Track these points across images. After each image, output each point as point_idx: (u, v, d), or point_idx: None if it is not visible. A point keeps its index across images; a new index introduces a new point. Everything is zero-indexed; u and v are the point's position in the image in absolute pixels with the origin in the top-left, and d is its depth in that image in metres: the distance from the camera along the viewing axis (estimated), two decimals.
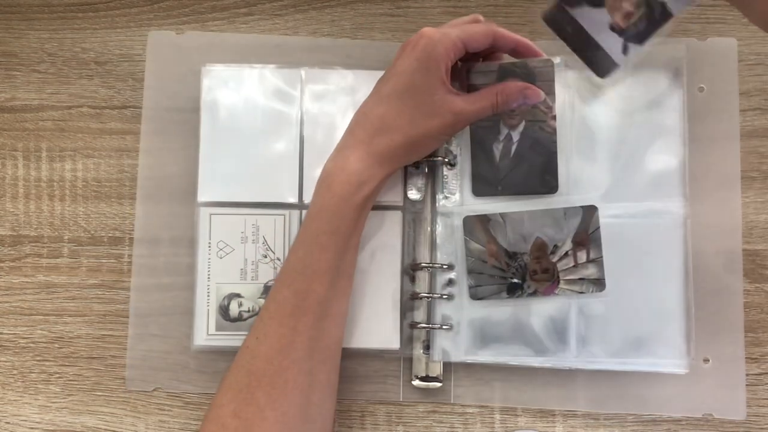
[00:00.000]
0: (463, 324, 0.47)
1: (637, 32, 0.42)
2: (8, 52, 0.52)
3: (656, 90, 0.48)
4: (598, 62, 0.43)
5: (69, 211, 0.50)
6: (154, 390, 0.48)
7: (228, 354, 0.47)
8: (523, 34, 0.50)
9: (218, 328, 0.47)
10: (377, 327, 0.47)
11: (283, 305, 0.41)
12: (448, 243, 0.48)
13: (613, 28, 0.42)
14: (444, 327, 0.47)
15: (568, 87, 0.48)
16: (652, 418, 0.48)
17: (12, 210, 0.50)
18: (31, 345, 0.49)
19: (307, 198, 0.48)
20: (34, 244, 0.50)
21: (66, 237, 0.50)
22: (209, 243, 0.48)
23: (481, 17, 0.45)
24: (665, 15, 0.42)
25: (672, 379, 0.47)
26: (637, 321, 0.46)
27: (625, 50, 0.42)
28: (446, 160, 0.48)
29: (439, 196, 0.48)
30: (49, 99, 0.51)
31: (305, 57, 0.51)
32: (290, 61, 0.50)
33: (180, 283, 0.48)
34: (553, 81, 0.46)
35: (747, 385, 0.48)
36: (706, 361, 0.48)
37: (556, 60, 0.46)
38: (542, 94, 0.44)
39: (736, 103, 0.50)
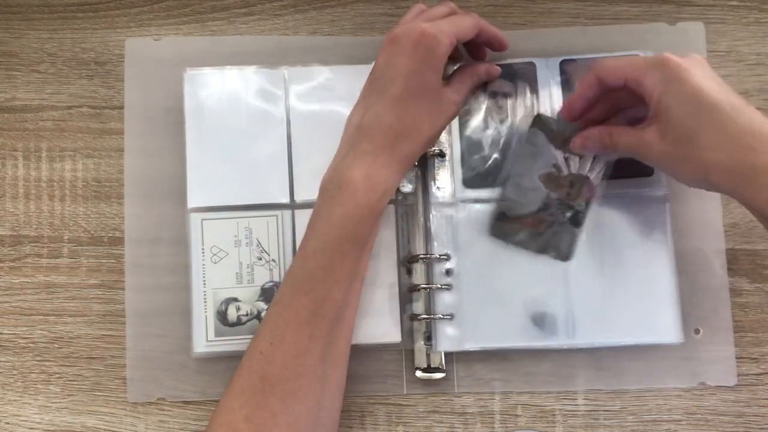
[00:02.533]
0: (464, 313, 0.47)
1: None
2: (8, 52, 0.52)
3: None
4: (641, 168, 0.46)
5: (69, 211, 0.50)
6: (157, 399, 0.48)
7: (229, 358, 0.47)
8: (522, 34, 0.51)
9: (217, 333, 0.47)
10: (378, 321, 0.47)
11: (300, 312, 0.41)
12: (443, 233, 0.48)
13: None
14: (445, 317, 0.47)
15: (549, 85, 0.49)
16: (652, 417, 0.48)
17: (12, 210, 0.50)
18: (31, 345, 0.49)
19: (298, 197, 0.48)
20: (34, 244, 0.50)
21: (66, 237, 0.50)
22: (202, 249, 0.48)
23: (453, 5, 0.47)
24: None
25: (666, 352, 0.48)
26: (629, 297, 0.47)
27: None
28: (437, 151, 0.48)
29: (433, 188, 0.48)
30: (49, 99, 0.51)
31: (288, 58, 0.51)
32: (273, 63, 0.50)
33: (176, 283, 0.48)
34: (536, 80, 0.49)
35: (747, 384, 0.48)
36: (697, 332, 0.48)
37: (536, 59, 0.49)
38: (499, 70, 0.49)
39: None
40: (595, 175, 0.47)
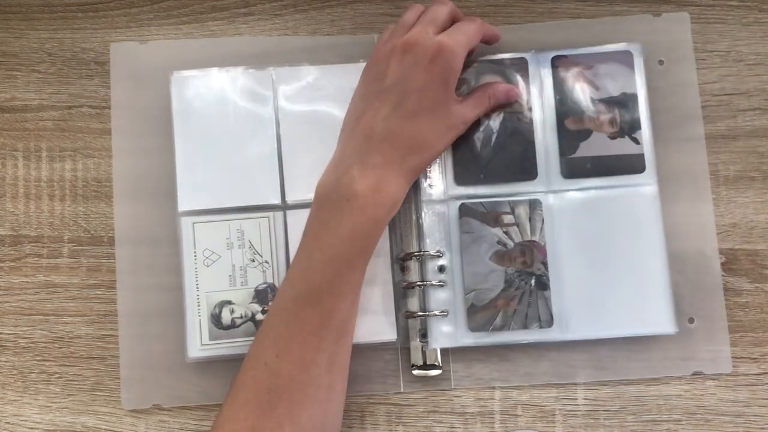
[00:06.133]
0: (459, 309, 0.47)
1: (630, 124, 0.48)
2: (8, 52, 0.52)
3: (620, 66, 0.49)
4: (632, 164, 0.48)
5: (69, 211, 0.50)
6: (153, 406, 0.48)
7: (225, 361, 0.47)
8: (522, 34, 0.51)
9: (212, 337, 0.47)
10: (373, 320, 0.47)
11: (307, 324, 0.40)
12: (436, 230, 0.48)
13: (613, 136, 0.48)
14: (440, 314, 0.47)
15: (540, 80, 0.49)
16: (652, 417, 0.48)
17: (12, 210, 0.50)
18: (31, 345, 0.49)
19: (290, 198, 0.48)
20: (34, 244, 0.50)
21: (66, 237, 0.50)
22: (194, 252, 0.47)
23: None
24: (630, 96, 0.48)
25: (661, 342, 0.48)
26: (622, 289, 0.47)
27: (636, 141, 0.48)
28: None
29: (424, 185, 0.48)
30: (49, 99, 0.51)
31: (283, 58, 0.51)
32: (267, 63, 0.50)
33: (170, 284, 0.48)
34: (528, 75, 0.49)
35: (747, 384, 0.48)
36: (691, 321, 0.48)
37: (528, 54, 0.49)
38: (521, 94, 0.48)
39: (694, 74, 0.51)
40: (539, 236, 0.47)
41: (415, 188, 0.49)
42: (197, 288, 0.47)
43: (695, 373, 0.48)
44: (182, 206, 0.48)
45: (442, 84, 0.42)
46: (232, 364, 0.44)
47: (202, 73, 0.49)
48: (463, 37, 0.43)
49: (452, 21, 0.46)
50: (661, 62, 0.51)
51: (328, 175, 0.43)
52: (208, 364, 0.48)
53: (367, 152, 0.42)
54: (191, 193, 0.48)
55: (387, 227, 0.48)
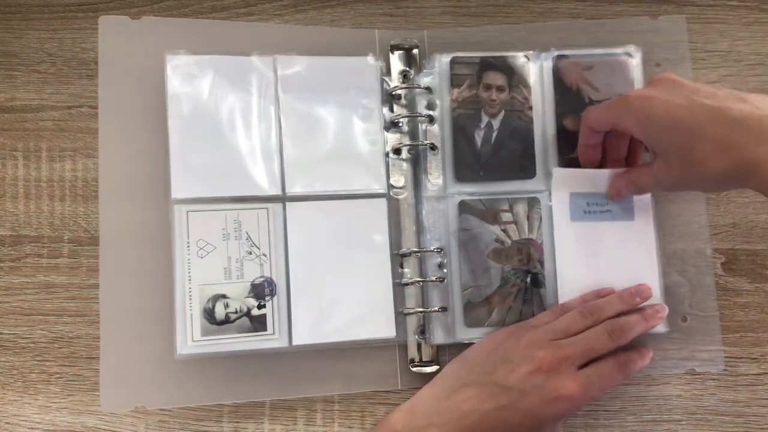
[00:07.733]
0: (457, 305, 0.47)
1: None
2: (8, 52, 0.52)
3: (619, 68, 0.49)
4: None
5: (69, 211, 0.50)
6: (136, 408, 0.47)
7: (217, 359, 0.46)
8: (521, 34, 0.51)
9: (204, 333, 0.45)
10: (372, 316, 0.47)
11: None
12: (436, 227, 0.48)
13: None
14: (439, 310, 0.47)
15: (541, 80, 0.50)
16: (652, 417, 0.48)
17: (12, 210, 0.50)
18: (31, 345, 0.49)
19: (290, 189, 0.47)
20: (34, 244, 0.50)
21: (66, 237, 0.50)
22: (188, 242, 0.45)
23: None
24: None
25: (656, 341, 0.48)
26: (616, 287, 0.47)
27: None
28: (429, 145, 0.49)
29: (425, 181, 0.48)
30: (49, 99, 0.51)
31: (273, 44, 0.50)
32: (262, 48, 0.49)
33: (156, 285, 0.47)
34: (529, 74, 0.49)
35: (747, 384, 0.48)
36: (684, 319, 0.48)
37: (530, 53, 0.49)
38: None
39: (690, 75, 0.51)
40: (536, 234, 0.47)
41: (416, 185, 0.49)
42: (189, 280, 0.45)
43: (689, 371, 0.48)
44: (175, 194, 0.46)
45: (549, 420, 0.41)
46: (224, 362, 0.43)
47: (199, 56, 0.47)
48: (596, 389, 0.42)
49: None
50: (658, 65, 0.51)
51: (406, 415, 0.42)
52: (198, 362, 0.47)
53: (448, 427, 0.41)
54: (185, 180, 0.46)
55: (387, 224, 0.48)
